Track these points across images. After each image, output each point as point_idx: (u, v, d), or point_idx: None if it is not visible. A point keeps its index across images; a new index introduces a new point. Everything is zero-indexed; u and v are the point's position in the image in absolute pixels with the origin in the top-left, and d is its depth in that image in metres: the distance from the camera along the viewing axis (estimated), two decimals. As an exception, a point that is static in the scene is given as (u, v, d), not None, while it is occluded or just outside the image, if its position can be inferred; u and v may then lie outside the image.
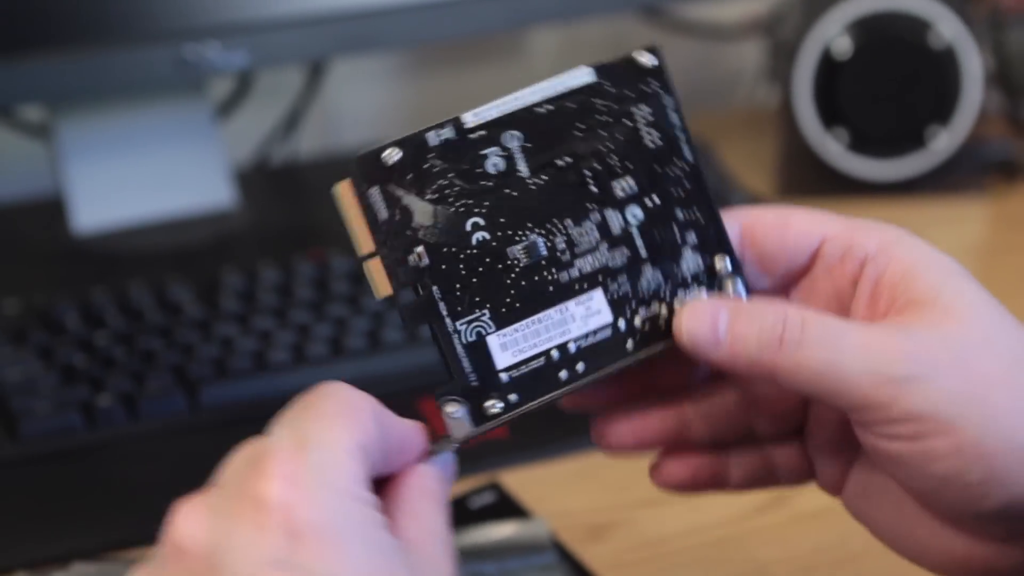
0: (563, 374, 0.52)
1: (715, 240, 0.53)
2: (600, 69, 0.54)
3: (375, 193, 0.51)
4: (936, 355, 0.49)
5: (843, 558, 0.71)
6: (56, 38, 0.91)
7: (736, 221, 0.54)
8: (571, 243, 0.52)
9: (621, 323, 0.52)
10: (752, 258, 0.54)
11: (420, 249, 0.51)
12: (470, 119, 0.52)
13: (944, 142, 1.05)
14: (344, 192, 0.51)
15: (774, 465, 0.57)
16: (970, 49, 1.02)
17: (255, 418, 0.79)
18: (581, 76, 0.53)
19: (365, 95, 1.19)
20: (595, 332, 0.52)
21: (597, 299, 0.52)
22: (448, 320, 0.51)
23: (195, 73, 0.94)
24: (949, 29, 1.02)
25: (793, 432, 0.57)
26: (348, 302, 0.87)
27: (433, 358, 0.82)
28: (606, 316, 0.52)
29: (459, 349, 0.51)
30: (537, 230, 0.52)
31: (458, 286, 0.51)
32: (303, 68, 1.10)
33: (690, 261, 0.53)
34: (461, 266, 0.51)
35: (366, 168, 0.51)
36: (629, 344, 0.52)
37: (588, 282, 0.52)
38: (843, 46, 1.04)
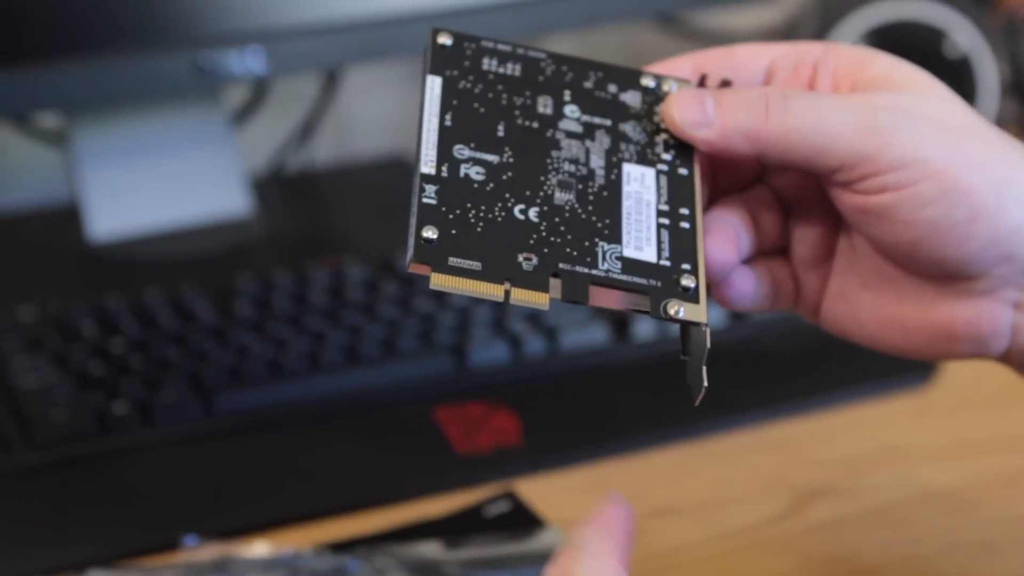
0: None
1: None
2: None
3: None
4: (908, 109, 0.53)
5: (857, 569, 0.71)
6: (72, 45, 0.91)
7: (686, 63, 0.57)
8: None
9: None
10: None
11: None
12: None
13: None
14: None
15: (773, 279, 0.59)
16: (986, 58, 1.02)
17: (270, 425, 0.81)
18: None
19: (380, 103, 1.19)
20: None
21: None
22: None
23: (211, 80, 0.94)
24: (965, 38, 1.02)
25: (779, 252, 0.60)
26: (363, 310, 0.87)
27: (447, 367, 0.83)
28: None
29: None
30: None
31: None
32: (319, 76, 1.10)
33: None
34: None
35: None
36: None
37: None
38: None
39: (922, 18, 1.03)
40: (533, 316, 0.86)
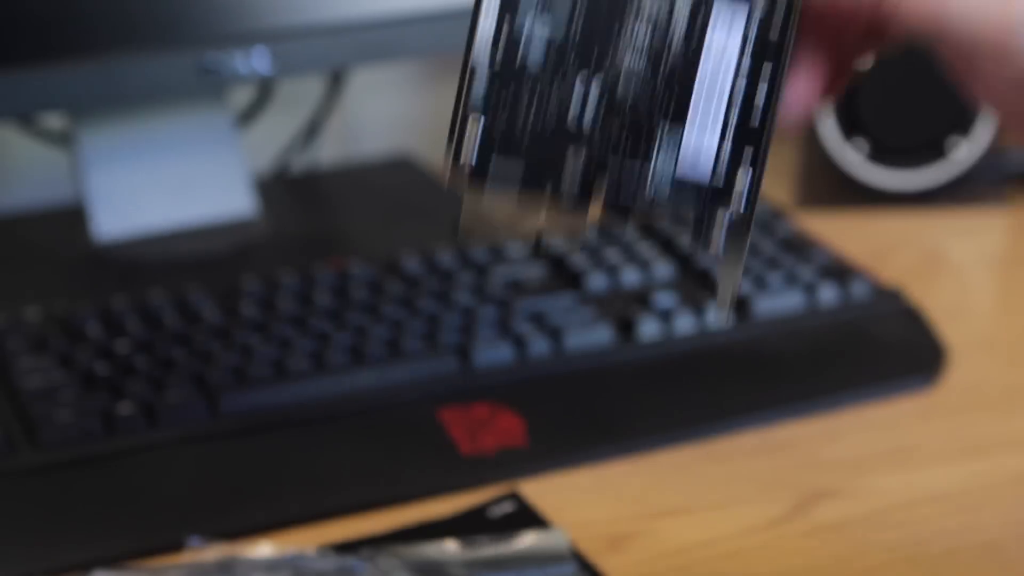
0: None
1: None
2: None
3: None
4: None
5: (861, 570, 0.71)
6: (78, 46, 0.92)
7: None
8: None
9: None
10: None
11: None
12: None
13: (964, 152, 1.05)
14: None
15: None
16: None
17: (275, 426, 0.81)
18: None
19: (385, 104, 1.19)
20: None
21: None
22: None
23: (216, 81, 0.94)
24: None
25: None
26: (368, 310, 0.87)
27: (451, 368, 0.83)
28: None
29: None
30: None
31: None
32: (324, 77, 1.10)
33: None
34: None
35: None
36: None
37: None
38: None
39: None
40: (537, 316, 0.86)
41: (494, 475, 0.77)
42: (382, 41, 0.97)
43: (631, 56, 0.48)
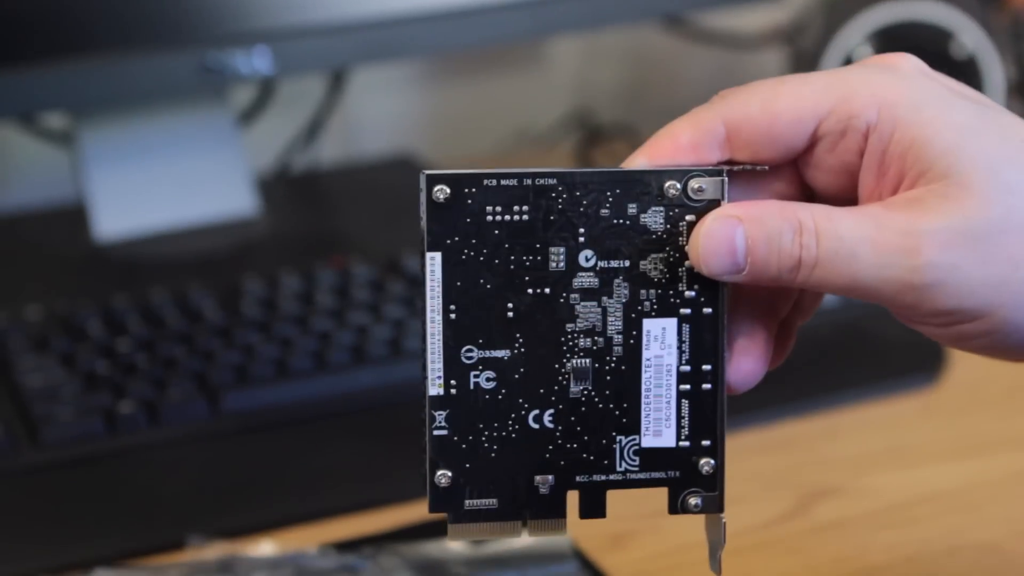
0: None
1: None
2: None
3: None
4: (954, 251, 0.48)
5: (862, 568, 0.71)
6: (79, 45, 0.92)
7: (718, 119, 0.51)
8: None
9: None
10: (744, 156, 0.51)
11: None
12: None
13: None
14: None
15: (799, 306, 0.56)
16: (992, 59, 1.02)
17: (277, 425, 0.81)
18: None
19: (386, 103, 1.19)
20: None
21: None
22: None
23: (218, 81, 0.94)
24: (971, 39, 1.02)
25: None
26: (369, 310, 0.87)
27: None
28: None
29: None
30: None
31: None
32: (325, 76, 1.10)
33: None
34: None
35: None
36: None
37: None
38: (865, 55, 1.04)
39: (928, 19, 1.03)
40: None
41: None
42: (383, 41, 0.97)
43: (576, 385, 0.51)
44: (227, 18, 0.94)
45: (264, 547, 0.71)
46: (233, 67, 0.94)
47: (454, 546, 0.71)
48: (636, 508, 0.74)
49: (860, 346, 0.88)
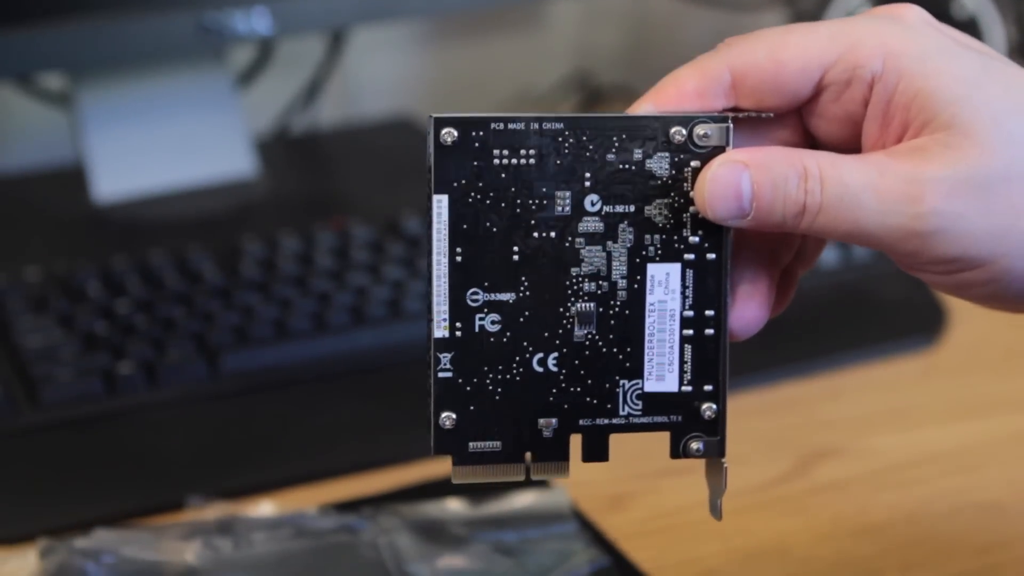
0: None
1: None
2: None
3: None
4: (958, 199, 0.48)
5: (862, 528, 0.71)
6: (76, 5, 0.91)
7: (724, 66, 0.51)
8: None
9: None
10: (749, 104, 0.51)
11: None
12: None
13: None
14: None
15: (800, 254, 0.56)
16: (993, 20, 1.02)
17: (276, 386, 0.81)
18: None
19: (386, 64, 1.19)
20: None
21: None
22: None
23: (216, 41, 0.94)
24: (972, 0, 1.02)
25: None
26: (369, 271, 0.87)
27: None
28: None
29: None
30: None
31: None
32: (324, 36, 1.10)
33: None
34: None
35: None
36: None
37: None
38: (866, 16, 1.03)
39: (930, -21, 1.02)
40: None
41: (495, 435, 0.77)
42: (383, 1, 0.97)
43: (580, 329, 0.51)
44: None
45: (264, 507, 0.72)
46: (232, 27, 0.93)
47: (453, 506, 0.71)
48: (635, 469, 0.75)
49: (860, 308, 0.88)
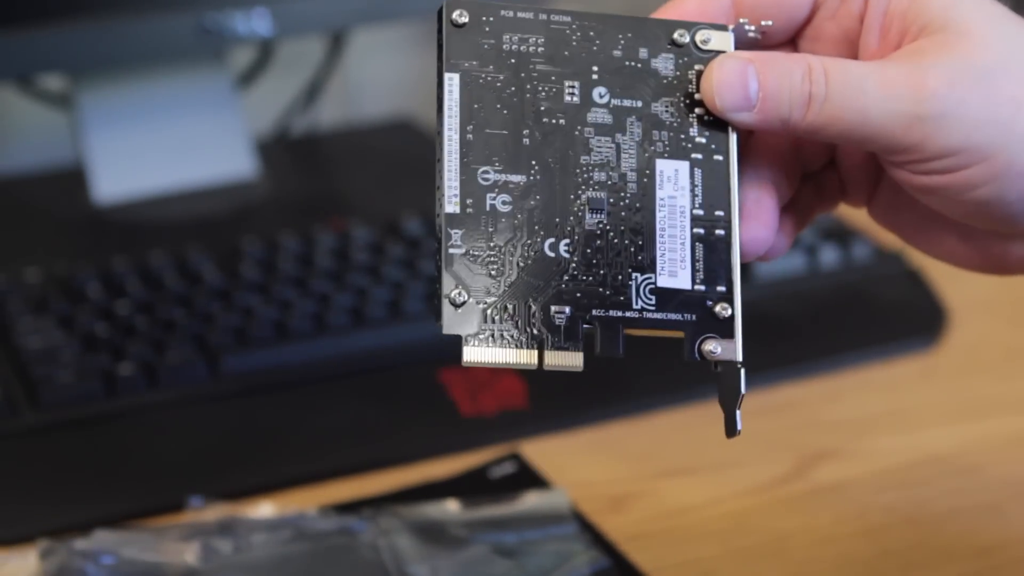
0: None
1: None
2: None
3: None
4: (959, 86, 0.49)
5: (862, 530, 0.71)
6: (76, 6, 0.91)
7: None
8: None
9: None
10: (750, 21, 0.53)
11: None
12: None
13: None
14: None
15: (820, 189, 0.57)
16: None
17: (276, 387, 0.81)
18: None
19: (386, 66, 1.19)
20: None
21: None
22: None
23: (216, 42, 0.94)
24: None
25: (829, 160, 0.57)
26: (369, 272, 0.87)
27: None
28: None
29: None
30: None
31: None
32: (324, 38, 1.10)
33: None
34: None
35: None
36: None
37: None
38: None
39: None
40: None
41: (495, 436, 0.77)
42: (383, 2, 0.97)
43: (591, 216, 0.51)
44: None
45: (264, 508, 0.72)
46: (232, 28, 0.93)
47: (453, 507, 0.71)
48: (635, 470, 0.75)
49: (861, 309, 0.88)
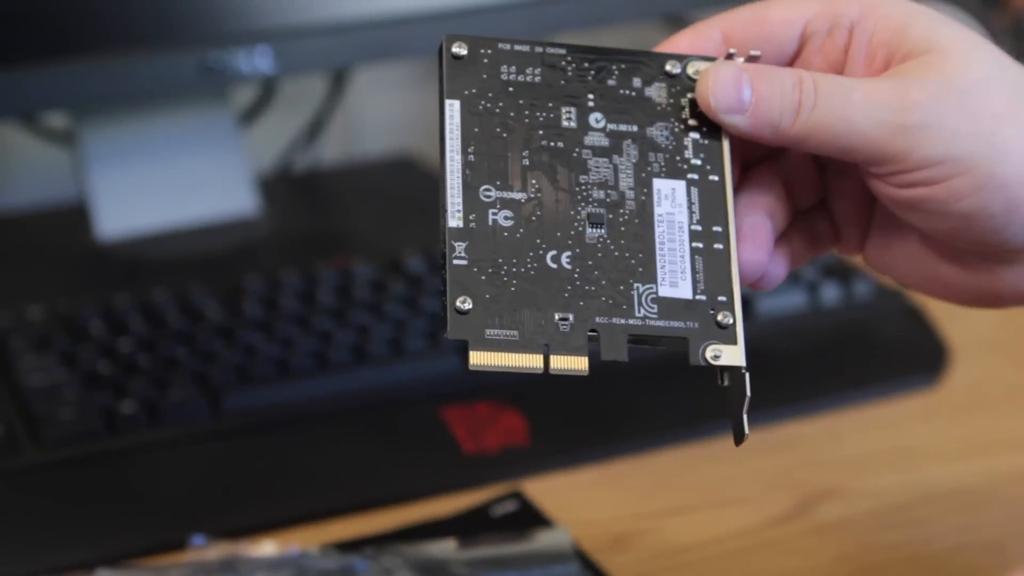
0: None
1: None
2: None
3: None
4: (942, 99, 0.51)
5: (863, 567, 0.71)
6: (80, 45, 0.92)
7: (716, 28, 0.55)
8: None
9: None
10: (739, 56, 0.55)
11: None
12: None
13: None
14: None
15: (812, 231, 0.58)
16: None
17: (278, 425, 0.81)
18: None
19: (387, 103, 1.19)
20: None
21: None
22: None
23: (219, 80, 0.94)
24: (972, 39, 1.02)
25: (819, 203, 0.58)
26: (371, 309, 0.87)
27: (454, 367, 0.83)
28: None
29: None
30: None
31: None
32: (326, 76, 1.11)
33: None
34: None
35: None
36: None
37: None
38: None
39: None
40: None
41: (497, 474, 0.77)
42: (384, 40, 0.97)
43: (592, 230, 0.52)
44: (228, 17, 0.94)
45: (266, 547, 0.72)
46: (234, 67, 0.94)
47: (454, 546, 0.71)
48: (637, 508, 0.75)
49: (862, 347, 0.88)
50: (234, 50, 0.93)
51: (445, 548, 0.71)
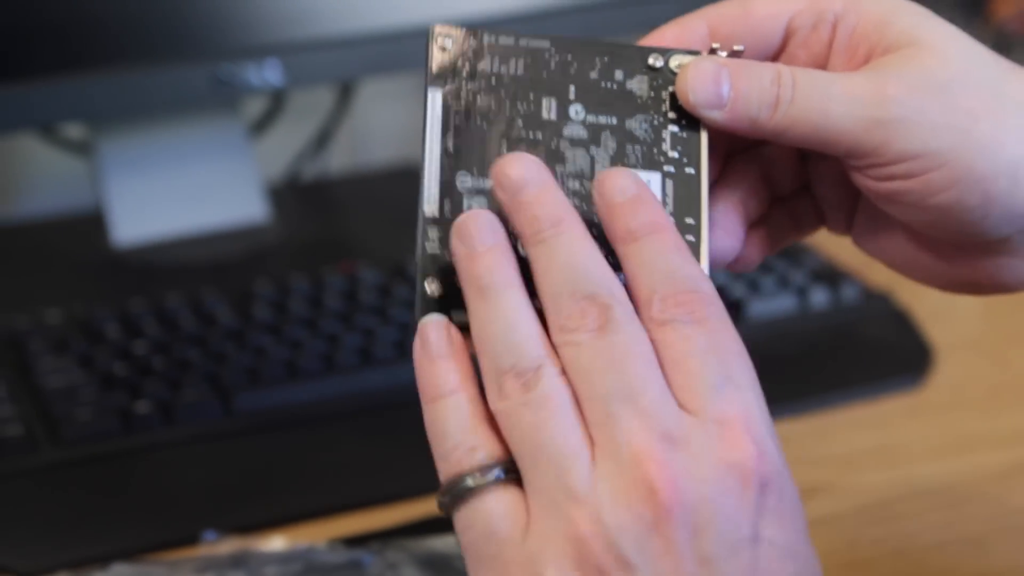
0: None
1: None
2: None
3: None
4: (920, 93, 0.51)
5: (850, 563, 0.71)
6: (97, 58, 0.92)
7: (702, 21, 0.54)
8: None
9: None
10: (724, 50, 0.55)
11: None
12: None
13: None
14: None
15: (795, 215, 0.58)
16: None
17: (287, 424, 0.81)
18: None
19: (393, 114, 1.19)
20: None
21: None
22: None
23: (230, 92, 0.95)
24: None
25: (803, 187, 0.58)
26: (376, 313, 0.87)
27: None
28: None
29: None
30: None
31: None
32: (334, 88, 1.10)
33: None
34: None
35: None
36: None
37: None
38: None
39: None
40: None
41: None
42: (390, 53, 0.97)
43: None
44: (239, 32, 0.94)
45: (275, 542, 0.72)
46: (245, 79, 0.94)
47: (456, 542, 0.71)
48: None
49: (849, 349, 0.89)
50: (245, 63, 0.94)
51: (449, 543, 0.71)
